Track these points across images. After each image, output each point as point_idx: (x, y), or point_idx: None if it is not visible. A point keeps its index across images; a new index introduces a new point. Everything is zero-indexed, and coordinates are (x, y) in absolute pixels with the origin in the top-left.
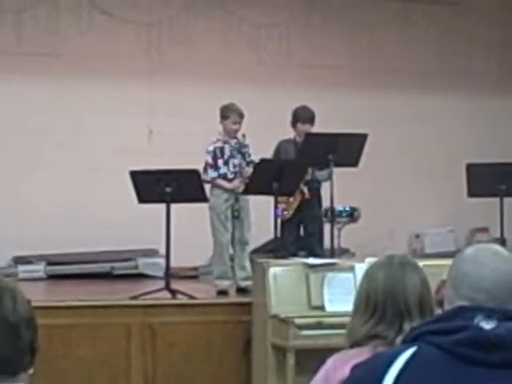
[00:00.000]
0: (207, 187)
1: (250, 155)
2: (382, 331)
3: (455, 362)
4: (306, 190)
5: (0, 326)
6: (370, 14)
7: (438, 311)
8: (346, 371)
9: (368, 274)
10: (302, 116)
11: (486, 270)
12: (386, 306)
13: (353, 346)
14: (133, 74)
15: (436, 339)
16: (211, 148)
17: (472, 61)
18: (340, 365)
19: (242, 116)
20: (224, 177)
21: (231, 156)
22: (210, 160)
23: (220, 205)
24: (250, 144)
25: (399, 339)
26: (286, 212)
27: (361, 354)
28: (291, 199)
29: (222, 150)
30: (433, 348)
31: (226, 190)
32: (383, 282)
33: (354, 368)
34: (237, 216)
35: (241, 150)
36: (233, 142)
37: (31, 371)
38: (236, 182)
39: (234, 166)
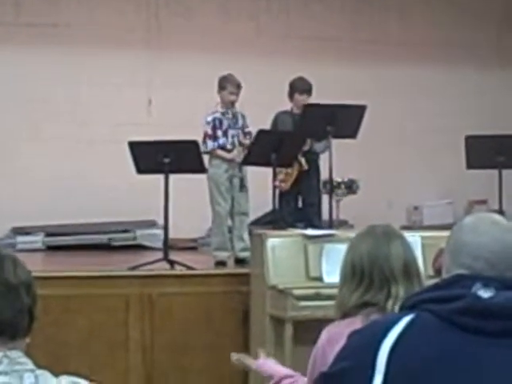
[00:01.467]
0: (206, 158)
1: (247, 126)
2: (371, 298)
3: (452, 329)
4: (303, 161)
5: (1, 288)
6: None
7: (436, 280)
8: (341, 343)
9: (352, 245)
10: (299, 87)
11: (484, 239)
12: (372, 272)
13: (344, 316)
14: (132, 45)
15: (433, 307)
16: (210, 119)
17: (472, 33)
18: (334, 337)
19: (239, 87)
20: (223, 147)
21: (229, 127)
22: (209, 131)
23: (219, 175)
24: (248, 115)
25: (390, 304)
26: (283, 184)
27: (354, 323)
28: (289, 170)
29: (220, 120)
30: (430, 316)
31: (225, 160)
32: (367, 250)
33: (351, 335)
34: (243, 186)
35: (238, 121)
36: (230, 112)
37: (28, 340)
38: (235, 152)
39: (233, 137)
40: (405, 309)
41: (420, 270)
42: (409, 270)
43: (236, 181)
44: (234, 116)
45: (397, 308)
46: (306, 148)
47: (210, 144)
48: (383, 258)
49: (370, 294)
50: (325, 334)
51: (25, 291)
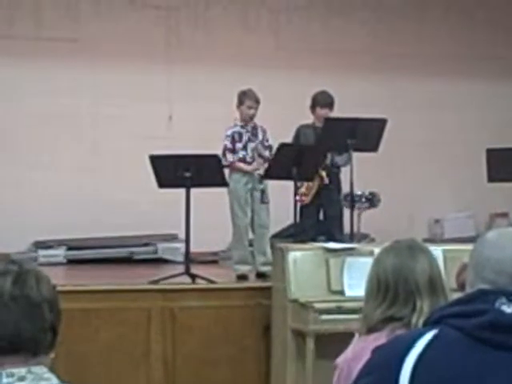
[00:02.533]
0: (226, 172)
1: (267, 140)
2: (396, 312)
3: (476, 345)
4: (324, 174)
5: (23, 304)
6: None
7: (459, 295)
8: (365, 359)
9: (377, 260)
10: (321, 101)
11: (507, 254)
12: (397, 286)
13: (369, 332)
14: (152, 59)
15: (457, 322)
16: (229, 132)
17: (491, 45)
18: (360, 352)
19: (257, 101)
20: (243, 160)
21: (249, 140)
22: (228, 144)
23: (239, 189)
24: (269, 129)
25: (415, 319)
26: (304, 197)
27: (379, 339)
28: (310, 184)
29: (240, 134)
30: (454, 331)
31: (245, 173)
32: (391, 264)
33: (375, 351)
34: (264, 199)
35: (258, 134)
36: (250, 126)
37: (52, 355)
38: (255, 164)
39: (252, 150)
40: (428, 324)
41: (445, 285)
42: (434, 284)
43: (257, 193)
44: (254, 130)
45: (421, 323)
46: (327, 162)
47: (230, 157)
48: (408, 272)
49: (394, 309)
50: (350, 350)
51: (48, 308)
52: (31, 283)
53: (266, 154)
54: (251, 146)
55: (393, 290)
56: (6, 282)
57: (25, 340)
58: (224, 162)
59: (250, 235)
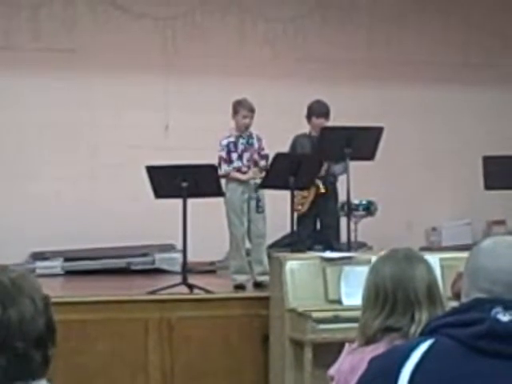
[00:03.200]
0: (222, 181)
1: (263, 149)
2: (394, 323)
3: (472, 354)
4: (320, 184)
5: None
6: (386, 7)
7: (455, 304)
8: (362, 370)
9: (374, 269)
10: (317, 110)
11: (502, 262)
12: (396, 296)
13: (367, 342)
14: (148, 69)
15: (453, 331)
16: (224, 142)
17: (489, 52)
18: (357, 365)
19: (252, 110)
20: (238, 170)
21: (244, 150)
22: (223, 154)
23: (235, 199)
24: (265, 138)
25: (413, 329)
26: (300, 206)
27: (377, 350)
28: (306, 193)
29: (235, 144)
30: (450, 340)
31: (241, 182)
32: (390, 274)
33: (372, 361)
34: (259, 207)
35: (253, 144)
36: (245, 136)
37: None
38: (250, 173)
39: (248, 160)
40: (424, 334)
41: (442, 294)
42: (432, 293)
43: (253, 202)
44: (249, 139)
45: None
46: (323, 171)
47: (225, 167)
48: (407, 280)
49: (393, 319)
50: (347, 362)
51: (44, 321)
52: (25, 302)
53: (262, 163)
54: (246, 155)
55: (391, 299)
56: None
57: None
58: (219, 172)
59: (247, 245)
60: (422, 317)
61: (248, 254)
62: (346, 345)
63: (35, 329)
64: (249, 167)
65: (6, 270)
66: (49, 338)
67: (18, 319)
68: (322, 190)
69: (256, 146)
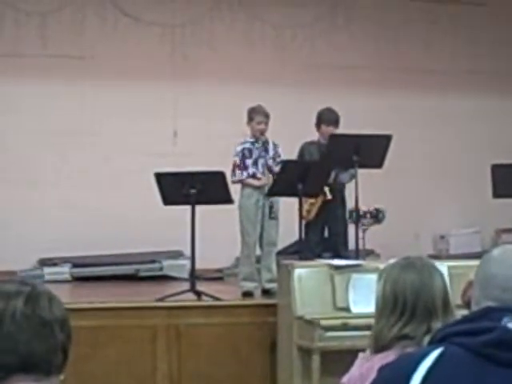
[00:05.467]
0: (236, 188)
1: (279, 155)
2: (410, 331)
3: (482, 362)
4: (327, 191)
5: (35, 324)
6: (394, 15)
7: (465, 312)
8: (372, 378)
9: (390, 277)
10: (327, 118)
11: None
12: (415, 306)
13: (379, 349)
14: (157, 76)
15: (463, 340)
16: (239, 149)
17: (497, 62)
18: (366, 372)
19: (267, 116)
20: (253, 176)
21: (259, 156)
22: (237, 161)
23: (250, 205)
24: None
25: (427, 339)
26: (307, 214)
27: (387, 358)
28: (313, 200)
29: (250, 150)
30: (460, 349)
31: (255, 188)
32: (411, 282)
33: (381, 369)
34: (272, 213)
35: (269, 150)
36: (260, 142)
37: (62, 377)
38: (264, 179)
39: (263, 166)
40: (434, 342)
41: (453, 306)
42: (447, 302)
43: (266, 209)
44: (264, 145)
45: None
46: (330, 180)
47: (239, 174)
48: (427, 290)
49: (409, 327)
50: (357, 369)
51: (59, 328)
52: (43, 304)
53: (277, 169)
54: (261, 161)
55: (410, 307)
56: (18, 302)
57: (37, 360)
58: (233, 179)
59: (258, 251)
60: (438, 326)
61: (257, 261)
62: (360, 354)
63: (62, 315)
64: (263, 173)
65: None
66: (68, 337)
67: (48, 299)
68: (329, 197)
69: (272, 152)
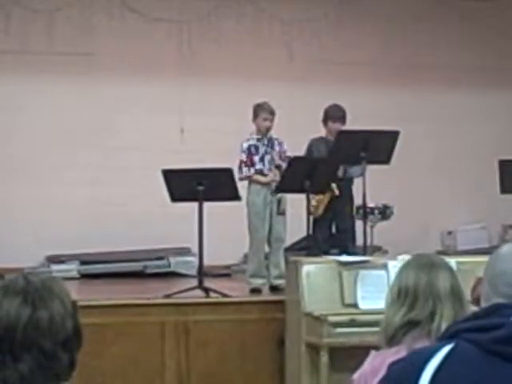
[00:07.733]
0: (244, 184)
1: (285, 152)
2: (415, 316)
3: (492, 359)
4: (335, 187)
5: (35, 354)
6: (401, 10)
7: (475, 308)
8: (383, 373)
9: (399, 275)
10: (333, 114)
11: None
12: (416, 290)
13: (389, 343)
14: (164, 73)
15: (473, 336)
16: (245, 145)
17: (504, 56)
18: (377, 367)
19: (272, 113)
20: (260, 172)
21: (266, 152)
22: (244, 158)
23: (258, 201)
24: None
25: (435, 324)
26: (315, 210)
27: (399, 352)
28: (320, 197)
29: (256, 147)
30: (470, 345)
31: (263, 185)
32: (414, 274)
33: (391, 365)
34: (280, 209)
35: (274, 146)
36: (266, 139)
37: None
38: (271, 175)
39: (269, 162)
40: (444, 338)
41: (465, 297)
42: (456, 293)
43: (274, 205)
44: (270, 142)
45: (443, 329)
46: (340, 174)
47: (246, 170)
48: (429, 278)
49: (414, 312)
50: (369, 364)
51: (71, 324)
52: (56, 305)
53: (283, 164)
54: (268, 158)
55: (412, 293)
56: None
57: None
58: (240, 176)
59: (266, 248)
60: (444, 311)
61: (266, 257)
62: (372, 352)
63: (64, 330)
64: (270, 170)
65: (37, 273)
66: (75, 341)
67: (48, 320)
68: (337, 193)
69: (277, 149)
